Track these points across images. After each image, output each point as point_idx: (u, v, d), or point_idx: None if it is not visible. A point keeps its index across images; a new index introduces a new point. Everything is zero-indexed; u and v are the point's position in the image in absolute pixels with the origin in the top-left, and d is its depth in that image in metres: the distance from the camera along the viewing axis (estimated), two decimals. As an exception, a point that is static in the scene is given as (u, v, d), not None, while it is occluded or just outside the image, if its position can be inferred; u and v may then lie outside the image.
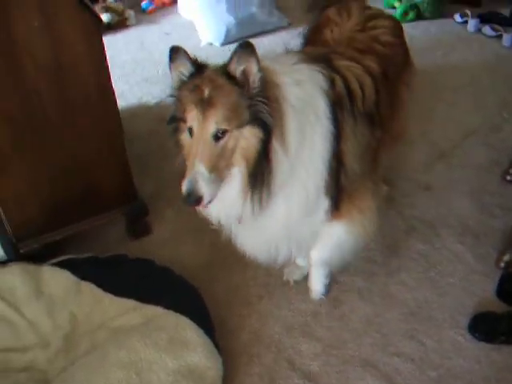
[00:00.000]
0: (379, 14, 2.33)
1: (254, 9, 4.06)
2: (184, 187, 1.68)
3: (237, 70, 1.69)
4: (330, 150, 1.88)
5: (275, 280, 2.37)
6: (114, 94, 2.15)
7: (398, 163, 2.93)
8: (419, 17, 4.28)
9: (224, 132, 1.69)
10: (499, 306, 2.25)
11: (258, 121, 1.71)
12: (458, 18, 4.29)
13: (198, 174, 1.67)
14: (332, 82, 1.90)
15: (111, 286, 2.19)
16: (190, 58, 1.75)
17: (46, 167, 2.18)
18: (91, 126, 2.16)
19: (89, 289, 2.19)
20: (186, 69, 1.75)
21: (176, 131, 1.85)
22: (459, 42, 4.05)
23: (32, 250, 2.32)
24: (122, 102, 3.36)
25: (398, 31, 2.31)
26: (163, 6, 4.63)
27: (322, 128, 1.86)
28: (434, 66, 3.75)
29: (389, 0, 4.42)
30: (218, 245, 2.49)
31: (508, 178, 2.83)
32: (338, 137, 1.89)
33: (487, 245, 2.51)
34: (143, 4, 4.55)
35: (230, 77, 1.70)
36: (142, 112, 3.33)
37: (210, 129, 1.68)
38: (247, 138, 1.72)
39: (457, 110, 3.32)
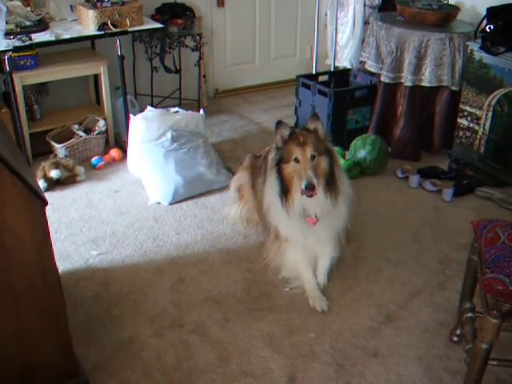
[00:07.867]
0: None
1: (202, 169, 4.15)
2: (305, 182, 2.89)
3: (312, 127, 3.05)
4: None
5: None
6: (58, 276, 2.14)
7: (344, 330, 2.92)
8: (362, 173, 4.46)
9: (314, 156, 2.96)
10: None
11: (327, 152, 3.03)
12: (399, 173, 4.48)
13: (310, 175, 2.90)
14: None
15: None
16: (289, 127, 3.06)
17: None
18: (32, 307, 2.12)
19: None
20: (286, 132, 3.03)
21: (280, 170, 3.05)
22: (401, 198, 4.19)
23: None
24: (67, 265, 3.34)
25: None
26: (113, 161, 4.70)
27: None
28: (377, 223, 3.86)
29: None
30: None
31: (455, 339, 2.83)
32: None
33: (438, 414, 2.47)
34: (93, 160, 4.61)
35: (310, 131, 3.05)
36: (87, 275, 3.28)
37: (308, 154, 2.94)
38: (323, 161, 3.01)
39: (401, 270, 3.38)
